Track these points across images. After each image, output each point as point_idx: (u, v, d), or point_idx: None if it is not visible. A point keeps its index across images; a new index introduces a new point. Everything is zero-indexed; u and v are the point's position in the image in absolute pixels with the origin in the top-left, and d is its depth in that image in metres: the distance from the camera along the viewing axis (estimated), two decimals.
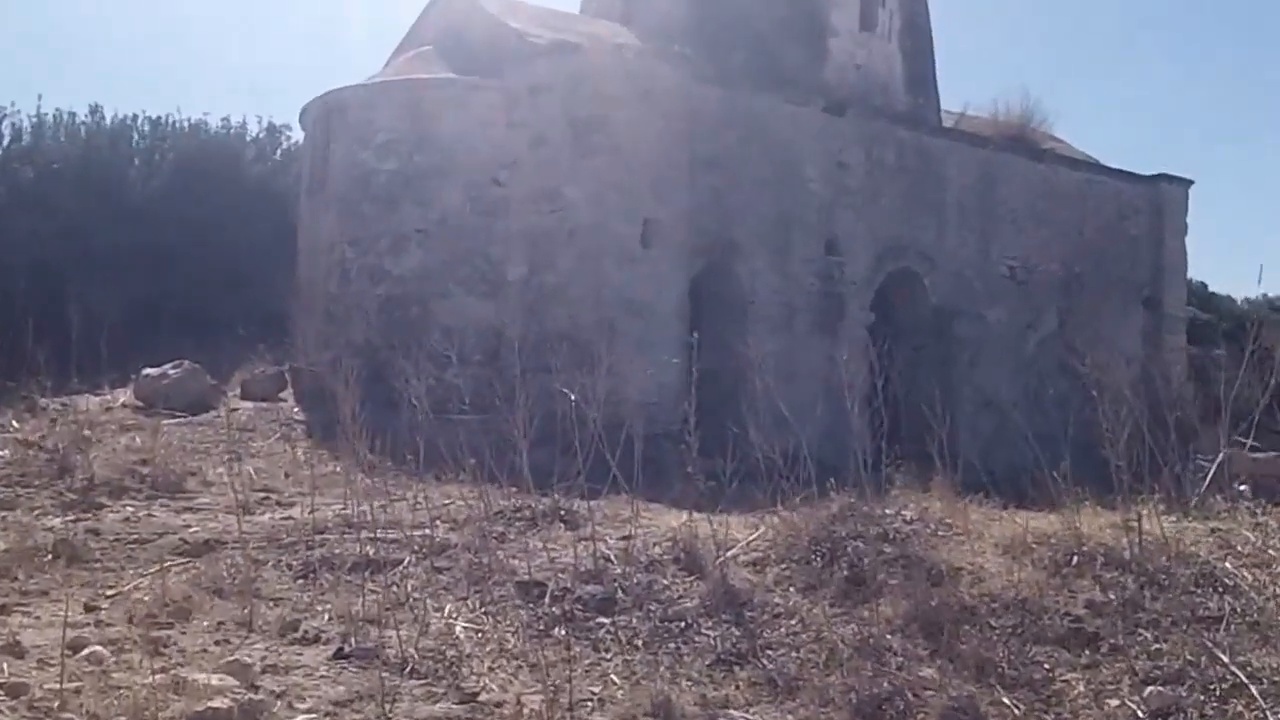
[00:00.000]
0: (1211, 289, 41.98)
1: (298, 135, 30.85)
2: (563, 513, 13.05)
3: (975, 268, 27.12)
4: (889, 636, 10.10)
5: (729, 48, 24.94)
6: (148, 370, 21.48)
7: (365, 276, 22.49)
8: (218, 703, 7.44)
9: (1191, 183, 31.42)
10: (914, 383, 21.17)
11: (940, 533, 12.10)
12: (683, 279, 22.15)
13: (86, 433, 17.25)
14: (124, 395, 21.57)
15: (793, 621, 10.44)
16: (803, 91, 24.83)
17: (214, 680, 7.92)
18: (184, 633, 9.69)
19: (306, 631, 9.90)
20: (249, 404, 21.96)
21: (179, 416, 19.94)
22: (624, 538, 12.12)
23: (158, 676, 8.00)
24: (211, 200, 30.28)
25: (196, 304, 27.18)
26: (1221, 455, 14.44)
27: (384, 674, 8.72)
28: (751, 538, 12.14)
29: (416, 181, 22.35)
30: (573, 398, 12.30)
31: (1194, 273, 33.10)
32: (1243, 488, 14.89)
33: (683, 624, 10.34)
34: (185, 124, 33.47)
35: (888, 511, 12.39)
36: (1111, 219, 30.03)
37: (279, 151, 34.60)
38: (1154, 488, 12.43)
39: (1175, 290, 30.96)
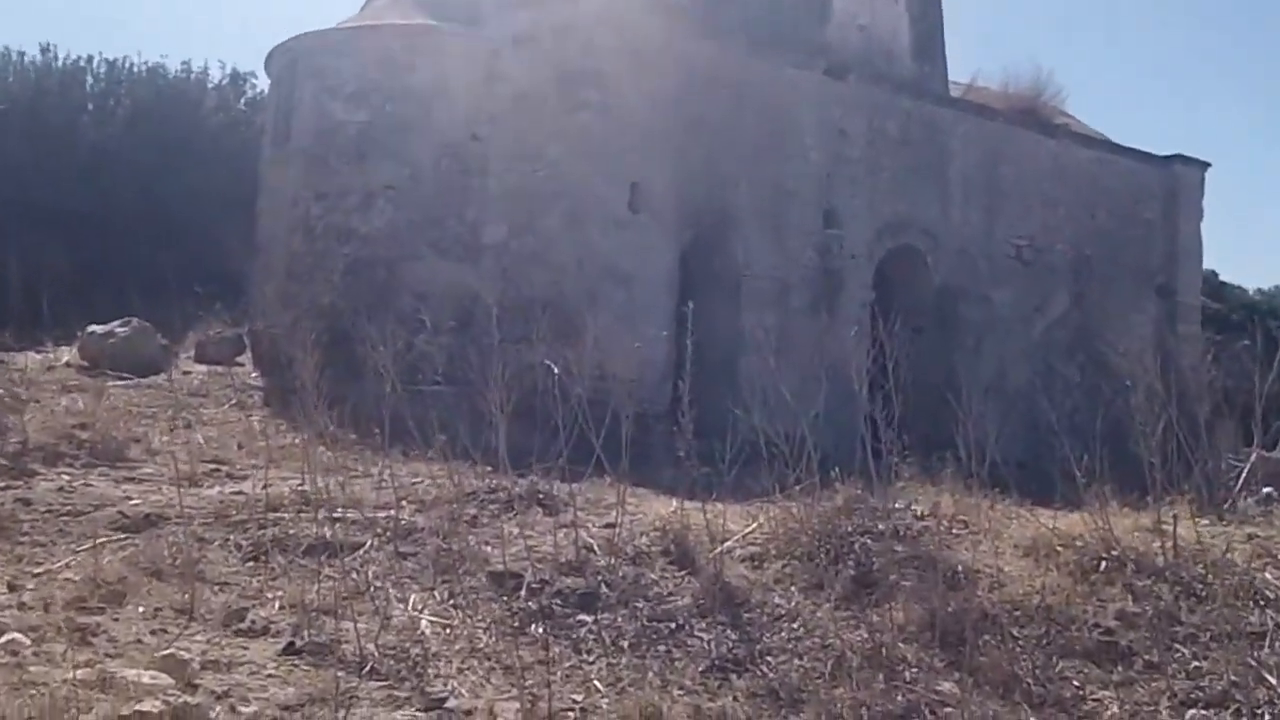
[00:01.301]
0: (1222, 278, 41.49)
1: (263, 83, 30.09)
2: (541, 496, 12.40)
3: (980, 247, 26.44)
4: (901, 645, 9.51)
5: (725, 1, 24.18)
6: (93, 328, 20.78)
7: (331, 235, 21.80)
8: (147, 705, 6.69)
9: (1208, 165, 30.78)
10: (916, 365, 20.57)
11: (955, 531, 11.53)
12: (672, 248, 21.50)
13: (23, 392, 16.53)
14: (68, 354, 20.86)
15: (794, 625, 9.84)
16: (802, 52, 24.10)
17: (145, 678, 7.18)
18: (116, 619, 8.98)
19: (254, 622, 9.21)
20: (203, 367, 21.30)
21: (126, 378, 19.19)
22: (608, 525, 11.50)
23: (81, 672, 7.29)
24: (169, 150, 29.65)
25: (150, 260, 26.45)
26: (1255, 455, 13.95)
27: (339, 673, 8.07)
28: (748, 530, 11.52)
29: (388, 135, 21.65)
30: (555, 370, 11.73)
31: (1205, 260, 32.44)
32: (1268, 489, 14.38)
33: (673, 624, 9.72)
34: (143, 68, 32.84)
35: (897, 506, 11.79)
36: (1124, 201, 29.38)
37: (243, 100, 33.99)
38: (1183, 488, 11.91)
39: (1190, 277, 30.32)
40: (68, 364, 20.28)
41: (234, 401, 18.73)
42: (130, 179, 28.57)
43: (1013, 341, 26.41)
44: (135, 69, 32.57)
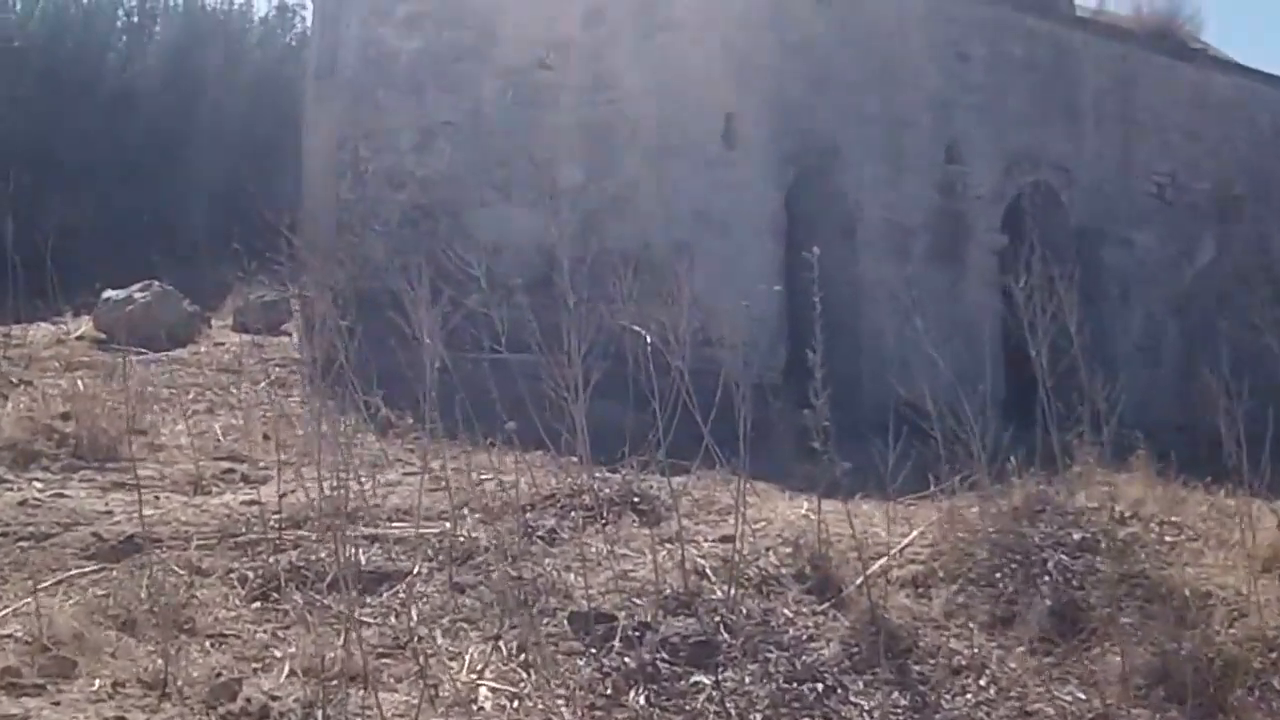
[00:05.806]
0: None
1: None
2: (637, 499, 10.08)
3: (1118, 184, 24.26)
4: (1125, 708, 7.24)
5: None
6: (109, 293, 18.66)
7: (384, 180, 19.86)
8: None
9: None
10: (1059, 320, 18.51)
11: (1167, 537, 9.25)
12: (774, 189, 19.38)
13: (16, 373, 14.46)
14: (85, 325, 18.76)
15: (982, 681, 7.58)
16: None
17: None
18: (57, 703, 6.66)
19: (249, 700, 6.81)
20: (239, 338, 19.13)
21: (143, 353, 16.99)
22: (724, 539, 9.17)
23: None
24: (207, 92, 27.72)
25: (184, 216, 24.69)
26: None
27: None
28: (905, 542, 9.21)
29: (446, 64, 19.64)
30: (647, 336, 9.73)
31: None
32: None
33: (819, 686, 7.46)
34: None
35: (1092, 505, 9.49)
36: (1267, 133, 27.18)
37: (291, 35, 32.00)
38: None
39: None
40: (80, 337, 18.13)
41: (272, 379, 16.40)
42: (164, 125, 26.72)
43: (1159, 291, 24.22)
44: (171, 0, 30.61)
